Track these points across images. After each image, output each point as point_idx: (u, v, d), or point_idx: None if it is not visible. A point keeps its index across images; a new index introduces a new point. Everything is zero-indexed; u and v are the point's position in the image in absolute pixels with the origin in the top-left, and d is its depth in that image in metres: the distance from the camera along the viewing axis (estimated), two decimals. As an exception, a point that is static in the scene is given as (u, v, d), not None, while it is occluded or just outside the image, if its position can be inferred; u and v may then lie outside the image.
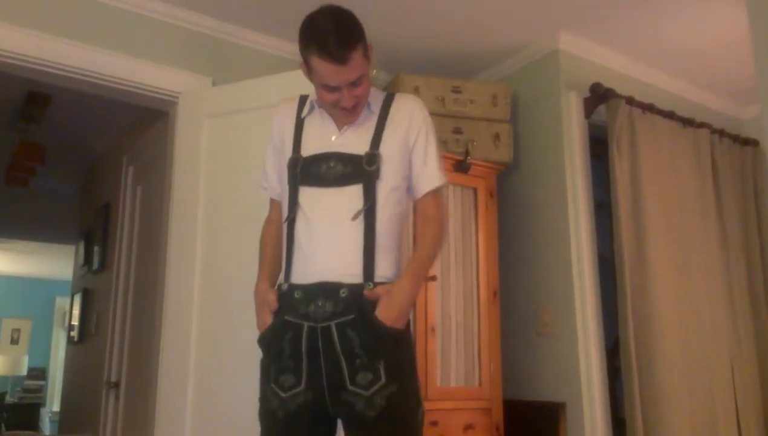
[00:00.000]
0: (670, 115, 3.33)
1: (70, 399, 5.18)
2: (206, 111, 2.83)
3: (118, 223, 3.86)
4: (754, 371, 3.36)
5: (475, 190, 3.09)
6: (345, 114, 1.72)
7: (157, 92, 2.89)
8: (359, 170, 1.66)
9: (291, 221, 1.68)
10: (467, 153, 3.04)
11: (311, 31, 1.63)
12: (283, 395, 1.59)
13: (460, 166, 3.03)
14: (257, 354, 1.74)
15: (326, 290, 1.58)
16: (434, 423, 2.69)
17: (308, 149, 1.73)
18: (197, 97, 2.89)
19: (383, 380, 1.54)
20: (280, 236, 1.82)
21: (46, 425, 8.53)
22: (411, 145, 1.76)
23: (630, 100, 3.16)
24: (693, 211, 3.27)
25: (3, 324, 9.65)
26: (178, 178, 2.83)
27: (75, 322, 4.88)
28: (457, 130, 3.09)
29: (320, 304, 1.58)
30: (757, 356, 3.40)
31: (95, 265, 4.39)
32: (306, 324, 1.58)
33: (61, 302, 9.39)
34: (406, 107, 1.78)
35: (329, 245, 1.63)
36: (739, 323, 3.33)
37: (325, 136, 1.75)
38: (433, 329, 2.80)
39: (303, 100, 1.83)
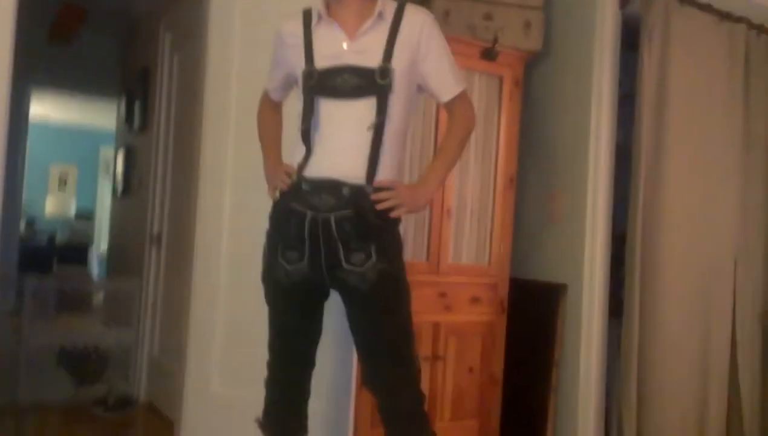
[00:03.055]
0: (707, 8, 3.27)
1: (116, 246, 5.60)
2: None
3: (157, 87, 4.02)
4: (758, 270, 3.49)
5: (500, 78, 3.15)
6: None
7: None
8: (372, 84, 1.77)
9: (307, 127, 1.83)
10: (496, 40, 3.07)
11: None
12: (288, 267, 1.82)
13: (488, 53, 3.07)
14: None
15: (330, 186, 1.77)
16: (442, 295, 2.96)
17: (322, 61, 1.82)
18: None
19: (374, 258, 1.77)
20: (277, 119, 2.11)
21: (94, 263, 9.20)
22: (423, 55, 1.84)
23: (667, -8, 3.11)
24: (719, 109, 3.29)
25: (51, 169, 10.14)
26: (212, 51, 2.92)
27: (119, 177, 5.18)
28: (488, 17, 3.10)
29: (324, 197, 1.77)
30: (764, 258, 3.52)
31: (136, 125, 4.60)
32: (309, 213, 1.78)
33: (105, 152, 9.78)
34: (416, 19, 1.85)
35: (339, 149, 1.80)
36: (749, 225, 3.42)
37: (336, 45, 1.82)
38: (448, 211, 2.99)
39: (307, 14, 1.89)
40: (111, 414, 3.43)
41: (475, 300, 3.05)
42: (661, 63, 3.13)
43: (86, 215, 10.30)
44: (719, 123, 3.30)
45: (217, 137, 2.88)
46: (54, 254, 8.07)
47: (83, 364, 3.69)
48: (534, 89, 3.37)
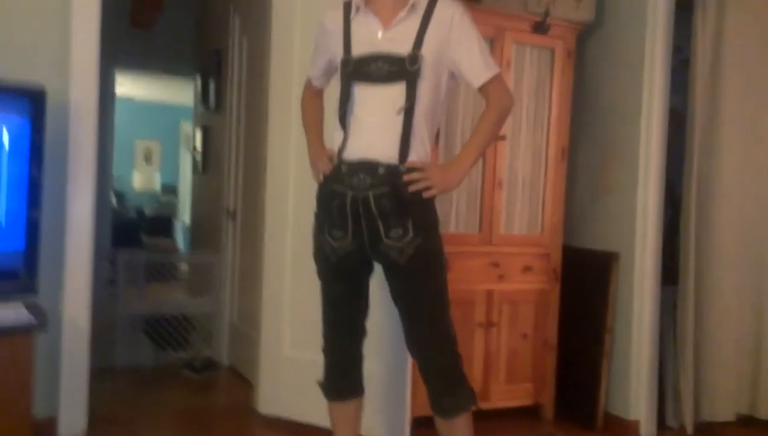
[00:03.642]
0: (768, -31, 3.21)
1: (197, 220, 5.97)
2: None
3: (229, 69, 4.27)
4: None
5: (552, 50, 3.21)
6: None
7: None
8: (402, 70, 1.91)
9: (343, 112, 1.98)
10: (547, 13, 3.12)
11: None
12: (334, 244, 1.99)
13: (539, 27, 3.14)
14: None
15: (367, 166, 1.92)
16: (495, 265, 3.10)
17: (358, 49, 1.97)
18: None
19: (411, 234, 1.92)
20: (319, 105, 2.25)
21: (179, 234, 9.77)
22: (454, 44, 1.96)
23: (723, -46, 3.07)
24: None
25: (136, 145, 10.74)
26: (276, 35, 3.11)
27: (198, 154, 5.51)
28: (539, -10, 3.15)
29: (362, 177, 1.92)
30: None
31: (212, 105, 4.88)
32: (350, 193, 1.93)
33: (186, 126, 10.27)
34: (447, 10, 1.97)
35: (373, 131, 1.95)
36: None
37: (372, 34, 1.96)
38: (500, 183, 3.11)
39: (348, 5, 2.05)
40: (198, 376, 3.77)
41: (527, 269, 3.17)
42: (716, 27, 3.12)
43: (170, 188, 10.88)
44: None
45: (282, 118, 3.08)
46: (143, 227, 8.62)
47: (168, 331, 4.06)
48: (587, 60, 3.41)
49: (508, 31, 3.11)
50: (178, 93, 8.99)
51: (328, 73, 2.20)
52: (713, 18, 3.11)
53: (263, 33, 3.33)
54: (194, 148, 5.73)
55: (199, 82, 5.53)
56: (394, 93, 1.93)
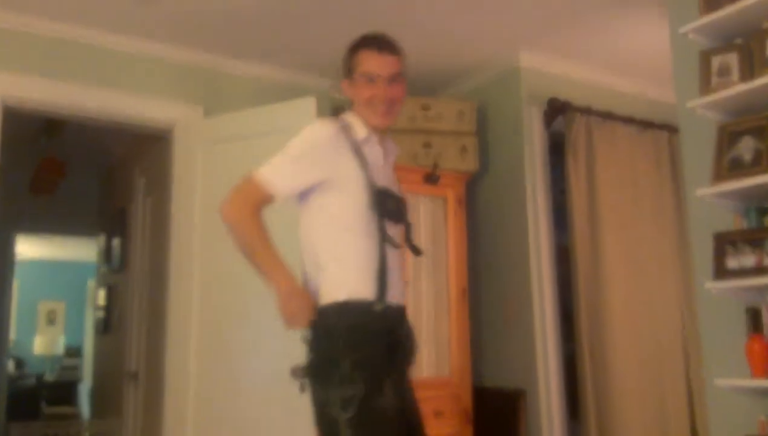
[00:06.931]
0: (629, 120, 3.58)
1: (100, 384, 5.66)
2: (200, 139, 3.17)
3: (132, 229, 4.25)
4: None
5: (444, 198, 3.41)
6: (379, 113, 1.82)
7: (152, 123, 3.25)
8: (405, 213, 1.89)
9: (383, 251, 1.78)
10: (436, 165, 3.34)
11: (362, 37, 1.89)
12: (400, 396, 1.76)
13: (430, 178, 3.34)
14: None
15: (404, 312, 1.85)
16: (406, 411, 3.06)
17: (380, 181, 1.81)
18: (190, 128, 3.23)
19: None
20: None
21: (84, 400, 9.14)
22: None
23: (587, 111, 3.42)
24: (650, 208, 3.54)
25: (39, 307, 10.25)
26: (176, 204, 3.18)
27: (101, 314, 5.32)
28: (427, 145, 3.39)
29: (405, 325, 1.84)
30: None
31: (115, 263, 4.79)
32: (407, 343, 1.83)
33: (92, 285, 9.94)
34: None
35: (402, 274, 1.87)
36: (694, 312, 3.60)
37: (384, 169, 1.88)
38: (405, 328, 3.14)
39: (345, 124, 1.85)
40: None
41: (439, 414, 3.14)
42: (588, 175, 3.42)
43: (75, 351, 10.31)
44: (652, 223, 3.55)
45: (183, 281, 3.09)
46: (42, 396, 8.05)
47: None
48: (478, 205, 3.63)
49: (402, 182, 3.26)
50: (83, 251, 8.78)
51: (298, 194, 1.87)
52: (584, 164, 3.40)
53: (166, 193, 3.39)
54: (97, 307, 5.54)
55: (102, 241, 5.45)
56: (402, 234, 1.90)
